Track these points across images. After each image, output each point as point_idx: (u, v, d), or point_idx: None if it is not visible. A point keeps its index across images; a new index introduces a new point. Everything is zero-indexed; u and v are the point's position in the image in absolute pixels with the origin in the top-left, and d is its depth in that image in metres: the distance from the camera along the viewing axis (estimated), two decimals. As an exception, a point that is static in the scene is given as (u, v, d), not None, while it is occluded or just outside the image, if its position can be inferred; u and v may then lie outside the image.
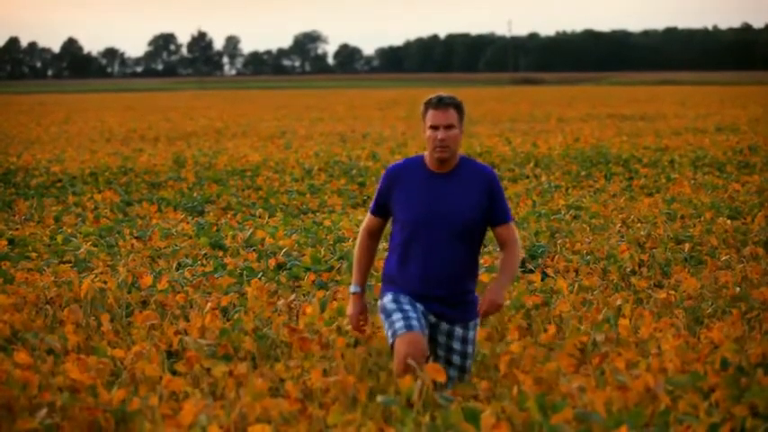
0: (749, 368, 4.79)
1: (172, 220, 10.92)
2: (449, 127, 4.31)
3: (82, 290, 6.51)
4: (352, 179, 15.01)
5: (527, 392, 4.19)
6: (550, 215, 10.84)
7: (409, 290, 4.36)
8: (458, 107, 4.36)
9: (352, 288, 4.52)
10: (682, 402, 4.22)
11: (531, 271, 7.88)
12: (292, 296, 6.56)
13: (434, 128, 4.31)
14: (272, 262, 7.94)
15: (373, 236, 4.49)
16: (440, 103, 4.34)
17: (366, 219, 4.53)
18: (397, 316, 4.29)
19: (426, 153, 4.42)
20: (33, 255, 8.47)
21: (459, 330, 4.40)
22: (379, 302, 4.45)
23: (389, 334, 4.31)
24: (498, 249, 4.46)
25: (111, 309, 6.44)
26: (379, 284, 4.58)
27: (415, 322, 4.25)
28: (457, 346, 4.40)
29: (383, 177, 4.44)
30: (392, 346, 4.29)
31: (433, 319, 4.37)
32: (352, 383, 4.22)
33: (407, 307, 4.31)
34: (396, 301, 4.33)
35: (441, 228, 4.30)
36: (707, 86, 74.92)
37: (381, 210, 4.45)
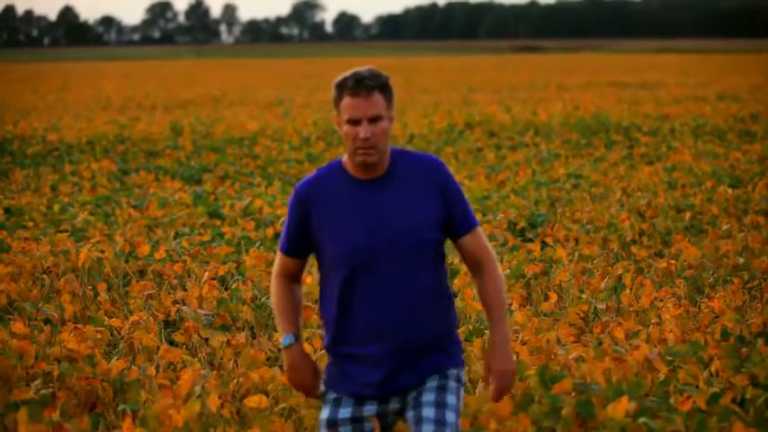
0: (750, 338, 4.77)
1: (169, 189, 10.88)
2: (374, 120, 3.01)
3: (79, 259, 6.48)
4: (351, 148, 14.96)
5: (526, 363, 4.16)
6: (550, 184, 10.80)
7: (361, 362, 3.05)
8: (384, 88, 3.05)
9: (285, 339, 3.14)
10: (682, 372, 4.20)
11: (531, 240, 7.85)
12: (290, 265, 6.52)
13: (354, 122, 3.01)
14: (269, 231, 7.90)
15: (293, 278, 3.20)
16: (359, 87, 3.02)
17: (277, 261, 3.20)
18: None
19: (345, 156, 3.11)
20: (30, 224, 8.43)
21: (432, 381, 3.09)
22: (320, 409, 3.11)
23: None
24: (470, 273, 3.16)
25: (108, 278, 6.41)
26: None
27: None
28: (429, 397, 3.06)
29: (292, 203, 3.10)
30: None
31: (397, 405, 3.09)
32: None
33: None
34: (331, 423, 3.05)
35: (390, 256, 3.03)
36: (708, 54, 74.59)
37: (298, 246, 3.12)
